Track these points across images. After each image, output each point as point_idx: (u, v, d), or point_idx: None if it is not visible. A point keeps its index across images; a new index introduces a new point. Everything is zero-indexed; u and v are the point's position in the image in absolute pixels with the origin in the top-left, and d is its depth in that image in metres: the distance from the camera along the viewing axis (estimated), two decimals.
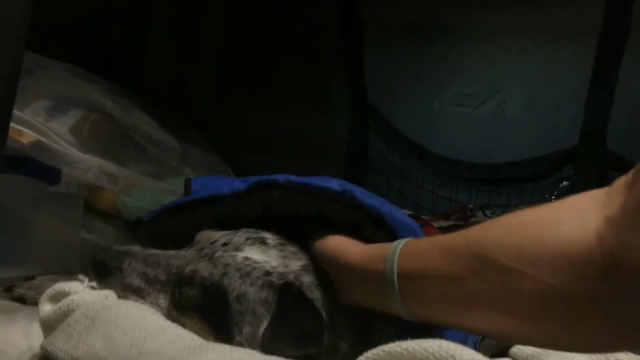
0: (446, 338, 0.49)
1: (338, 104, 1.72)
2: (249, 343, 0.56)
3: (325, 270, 0.61)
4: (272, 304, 0.57)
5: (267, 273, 0.59)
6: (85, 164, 0.93)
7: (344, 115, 1.70)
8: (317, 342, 0.55)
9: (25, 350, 0.64)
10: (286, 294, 0.57)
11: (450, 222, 1.30)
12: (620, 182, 0.43)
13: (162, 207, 0.73)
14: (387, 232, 0.63)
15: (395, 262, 0.53)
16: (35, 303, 0.63)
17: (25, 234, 0.89)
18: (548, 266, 0.43)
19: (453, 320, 0.51)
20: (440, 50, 1.64)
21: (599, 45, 1.32)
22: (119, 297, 0.61)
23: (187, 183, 0.79)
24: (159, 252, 0.64)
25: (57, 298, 0.60)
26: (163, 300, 0.61)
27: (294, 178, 0.67)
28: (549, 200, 1.39)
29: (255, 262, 0.60)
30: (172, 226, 0.73)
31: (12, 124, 0.70)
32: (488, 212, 1.35)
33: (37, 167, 0.89)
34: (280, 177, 0.67)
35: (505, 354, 0.58)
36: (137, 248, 0.64)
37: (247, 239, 0.64)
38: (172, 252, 0.64)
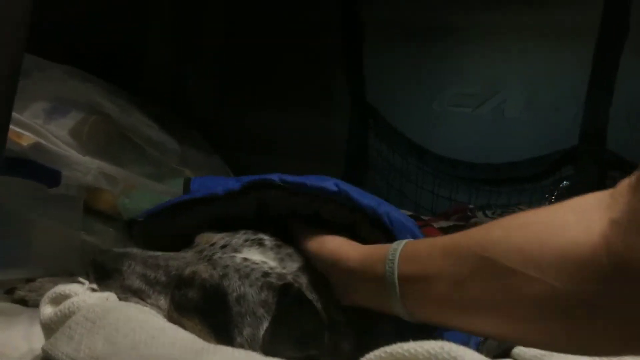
0: (448, 338, 0.49)
1: (338, 104, 1.71)
2: (250, 344, 0.56)
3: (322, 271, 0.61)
4: (272, 305, 0.57)
5: (266, 274, 0.59)
6: (84, 166, 0.92)
7: (344, 115, 1.70)
8: (318, 342, 0.55)
9: (26, 353, 0.64)
10: (286, 295, 0.57)
11: (450, 223, 1.30)
12: (624, 184, 0.43)
13: (155, 207, 0.73)
14: (383, 232, 0.63)
15: (396, 264, 0.53)
16: (36, 305, 0.63)
17: (25, 235, 0.89)
18: (553, 268, 0.42)
19: (454, 322, 0.51)
20: (440, 50, 1.64)
21: (598, 45, 1.31)
22: (120, 299, 0.61)
23: (187, 183, 0.79)
24: (159, 254, 0.64)
25: (57, 300, 0.60)
26: (163, 302, 0.61)
27: (289, 177, 0.66)
28: (549, 200, 1.39)
29: (254, 262, 0.60)
30: (167, 226, 0.73)
31: (11, 126, 0.70)
32: (489, 213, 1.35)
33: (37, 169, 0.89)
34: (275, 177, 0.67)
35: (508, 355, 0.58)
36: (136, 250, 0.64)
37: (246, 240, 0.64)
38: (171, 253, 0.64)
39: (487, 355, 0.48)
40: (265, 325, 0.56)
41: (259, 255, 0.62)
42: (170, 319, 0.59)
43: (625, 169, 1.29)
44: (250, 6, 1.73)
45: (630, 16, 1.28)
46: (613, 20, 1.30)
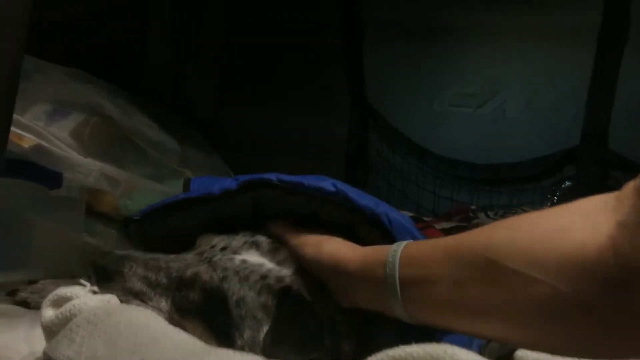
0: (450, 340, 0.49)
1: (338, 104, 1.71)
2: (251, 347, 0.56)
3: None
4: (271, 308, 0.57)
5: (264, 276, 0.59)
6: (86, 168, 0.92)
7: (344, 115, 1.70)
8: (319, 345, 0.55)
9: (27, 356, 0.64)
10: (285, 297, 0.57)
11: (452, 224, 1.29)
12: (630, 187, 0.43)
13: (152, 206, 0.73)
14: (382, 233, 0.62)
15: (397, 266, 0.52)
16: (38, 307, 0.63)
17: (26, 237, 0.88)
18: (559, 271, 0.42)
19: (456, 325, 0.51)
20: (440, 50, 1.64)
21: (598, 45, 1.31)
22: (121, 301, 0.61)
23: (186, 183, 0.78)
24: (160, 255, 0.64)
25: (59, 303, 0.60)
26: (165, 304, 0.61)
27: (286, 177, 0.66)
28: (551, 200, 1.38)
29: (253, 265, 0.60)
30: (163, 226, 0.73)
31: (12, 128, 0.70)
32: (490, 214, 1.34)
33: (38, 171, 0.89)
34: (272, 176, 0.66)
35: (510, 358, 0.58)
36: (137, 252, 0.64)
37: (245, 242, 0.63)
38: (172, 255, 0.64)
39: (489, 357, 0.48)
40: (266, 328, 0.56)
41: (257, 257, 0.62)
42: (172, 321, 0.59)
43: (626, 169, 1.29)
44: (250, 6, 1.73)
45: (630, 16, 1.28)
46: (613, 20, 1.30)
